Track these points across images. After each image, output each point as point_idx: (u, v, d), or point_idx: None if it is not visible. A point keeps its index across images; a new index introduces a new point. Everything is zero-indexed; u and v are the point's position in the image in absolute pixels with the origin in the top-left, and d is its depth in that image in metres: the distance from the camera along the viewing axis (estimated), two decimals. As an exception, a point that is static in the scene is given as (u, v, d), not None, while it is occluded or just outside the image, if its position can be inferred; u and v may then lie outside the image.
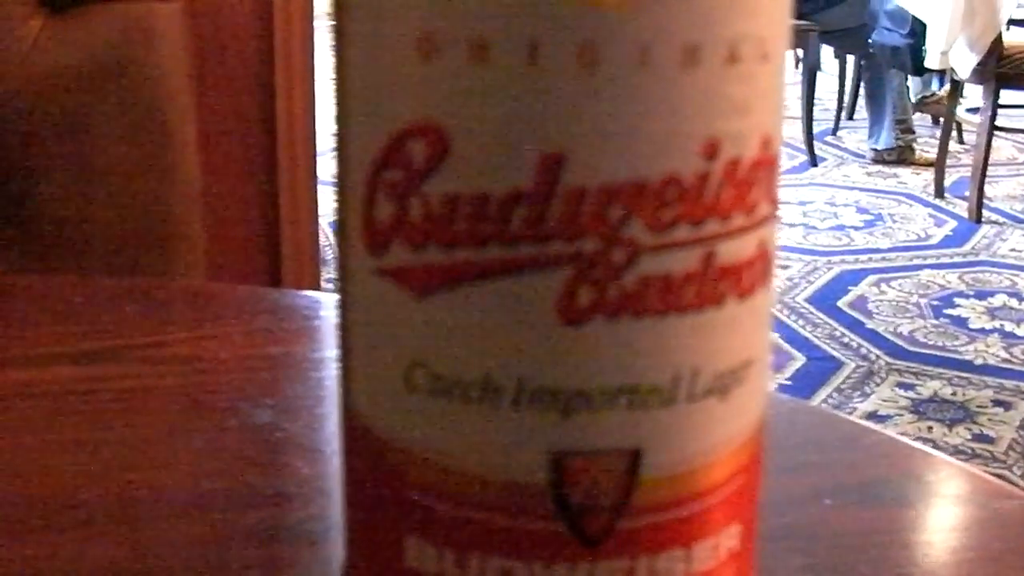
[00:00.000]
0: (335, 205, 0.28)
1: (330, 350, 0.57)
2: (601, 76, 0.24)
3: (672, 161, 0.24)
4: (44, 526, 0.42)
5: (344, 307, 0.28)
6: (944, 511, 0.43)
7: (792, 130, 5.01)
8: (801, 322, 3.11)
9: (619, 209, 0.24)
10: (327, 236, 3.20)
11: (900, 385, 2.75)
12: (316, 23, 1.51)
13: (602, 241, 0.24)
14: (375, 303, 0.27)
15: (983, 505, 0.44)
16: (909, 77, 4.69)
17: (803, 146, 4.75)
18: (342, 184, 0.27)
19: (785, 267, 3.55)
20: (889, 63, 4.52)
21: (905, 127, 4.71)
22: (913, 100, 4.86)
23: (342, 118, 0.27)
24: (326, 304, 0.64)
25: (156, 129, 1.21)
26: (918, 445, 0.47)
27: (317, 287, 1.55)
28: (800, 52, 4.86)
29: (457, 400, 0.26)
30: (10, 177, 1.13)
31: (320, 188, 1.53)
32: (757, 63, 0.25)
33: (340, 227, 0.27)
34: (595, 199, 0.24)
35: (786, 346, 2.96)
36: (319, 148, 1.52)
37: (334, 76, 0.27)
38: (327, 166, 1.58)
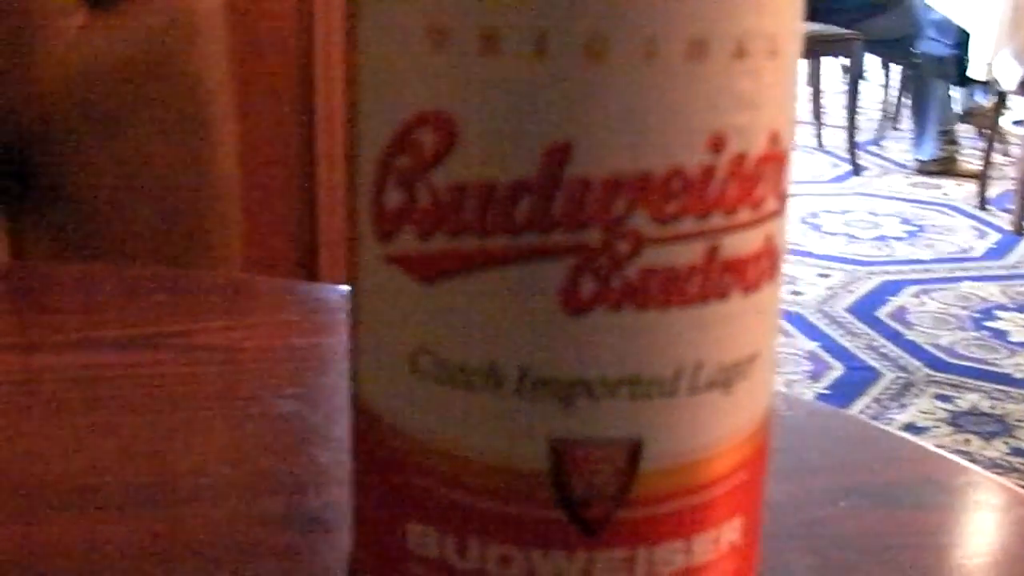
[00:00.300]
0: (347, 193, 0.28)
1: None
2: (608, 68, 0.24)
3: (677, 154, 0.25)
4: (70, 506, 0.43)
5: (354, 294, 0.29)
6: (961, 516, 0.43)
7: (835, 139, 4.99)
8: (840, 332, 3.10)
9: (624, 200, 0.24)
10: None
11: (938, 397, 2.73)
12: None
13: (606, 232, 0.25)
14: (383, 289, 0.27)
15: (1002, 510, 0.44)
16: (954, 88, 4.67)
17: (846, 155, 4.73)
18: (353, 171, 0.27)
19: (826, 276, 3.54)
20: (934, 73, 4.50)
21: (949, 138, 4.68)
22: (958, 111, 4.84)
23: (354, 106, 0.27)
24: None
25: (196, 124, 1.22)
26: (936, 449, 0.46)
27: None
28: (846, 60, 4.84)
29: (461, 387, 0.26)
30: (51, 169, 1.14)
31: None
32: (766, 59, 0.25)
33: (350, 214, 0.28)
34: (600, 190, 0.24)
35: (825, 355, 2.95)
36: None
37: (347, 64, 0.27)
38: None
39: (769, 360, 0.28)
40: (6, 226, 1.13)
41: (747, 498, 0.29)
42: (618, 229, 0.25)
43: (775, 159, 0.26)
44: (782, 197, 0.27)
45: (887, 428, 0.47)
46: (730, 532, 0.28)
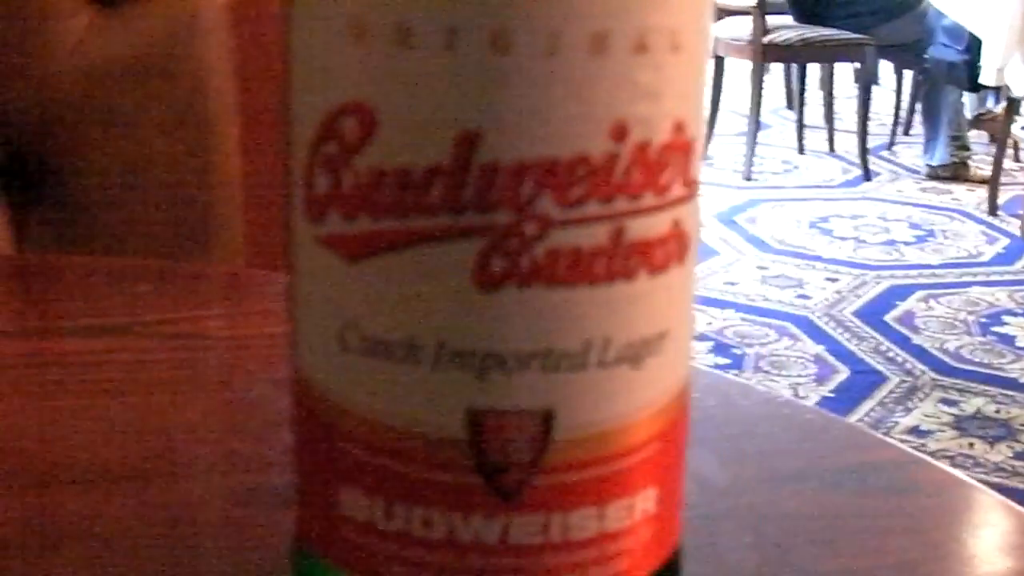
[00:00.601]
0: (283, 178, 0.30)
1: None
2: (513, 61, 0.26)
3: (582, 141, 0.26)
4: (65, 481, 0.45)
5: (290, 273, 0.30)
6: (902, 500, 0.44)
7: (847, 144, 4.99)
8: (847, 335, 3.11)
9: (530, 185, 0.26)
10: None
11: (944, 401, 2.74)
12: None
13: (514, 214, 0.26)
14: (314, 268, 0.29)
15: (943, 494, 0.45)
16: (965, 93, 4.67)
17: (857, 160, 4.74)
18: (287, 157, 0.29)
19: (834, 280, 3.55)
20: (945, 79, 4.50)
21: (960, 144, 4.68)
22: (969, 117, 4.84)
23: (287, 95, 0.29)
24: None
25: (199, 123, 1.23)
26: (885, 438, 0.48)
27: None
28: (858, 65, 4.85)
29: (384, 359, 0.28)
30: (57, 165, 1.16)
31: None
32: (668, 53, 0.27)
33: (286, 198, 0.30)
34: (508, 175, 0.26)
35: (831, 359, 2.96)
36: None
37: (281, 56, 0.29)
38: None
39: (681, 338, 0.30)
40: (11, 221, 1.15)
41: (662, 469, 0.30)
42: (526, 212, 0.26)
43: (680, 147, 0.28)
44: (690, 184, 0.29)
45: (834, 417, 0.48)
46: (644, 501, 0.30)
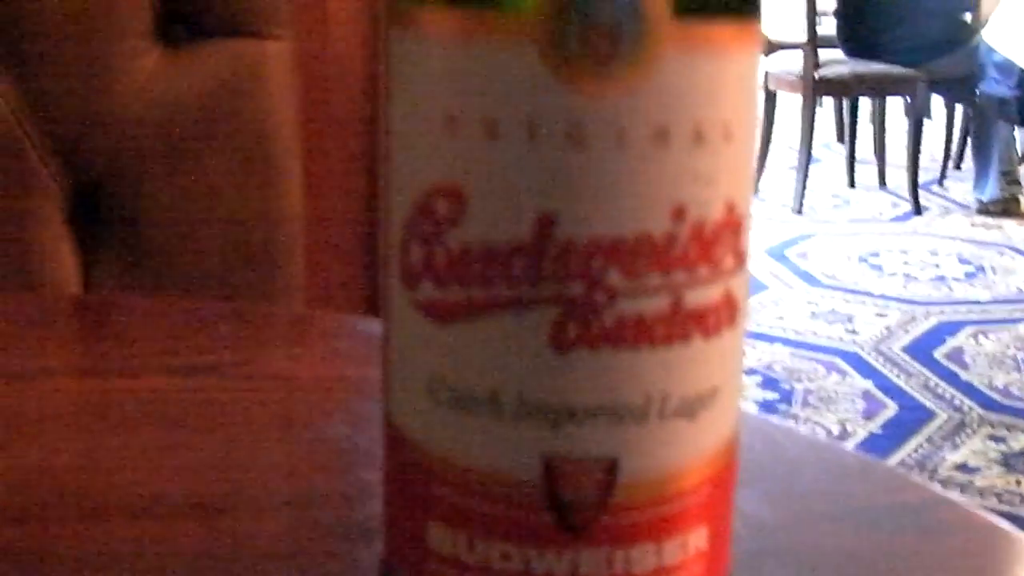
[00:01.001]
0: (380, 247, 0.33)
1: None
2: (586, 151, 0.29)
3: (645, 222, 0.30)
4: (139, 514, 0.49)
5: (385, 331, 0.34)
6: (935, 540, 0.48)
7: (897, 178, 5.01)
8: (896, 371, 3.13)
9: (600, 260, 0.30)
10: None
11: (991, 438, 2.75)
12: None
13: (586, 285, 0.30)
14: (407, 328, 0.33)
15: (975, 538, 0.48)
16: (1017, 128, 4.68)
17: (907, 195, 4.75)
18: (385, 230, 0.33)
19: (883, 316, 3.56)
20: (996, 114, 4.51)
21: (1011, 178, 4.69)
22: (1020, 152, 4.84)
23: (386, 175, 0.33)
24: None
25: (262, 163, 1.26)
26: (919, 480, 0.51)
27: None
28: (908, 99, 4.86)
29: (469, 411, 0.32)
30: (123, 203, 1.19)
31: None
32: (721, 143, 0.31)
33: (383, 265, 0.33)
34: (581, 251, 0.30)
35: (879, 394, 2.97)
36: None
37: (380, 141, 0.33)
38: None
39: (731, 393, 0.34)
40: (78, 258, 1.19)
41: (713, 510, 0.34)
42: (596, 283, 0.30)
43: (731, 225, 0.32)
44: (740, 256, 0.32)
45: (874, 460, 0.52)
46: (697, 539, 0.34)
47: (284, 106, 1.28)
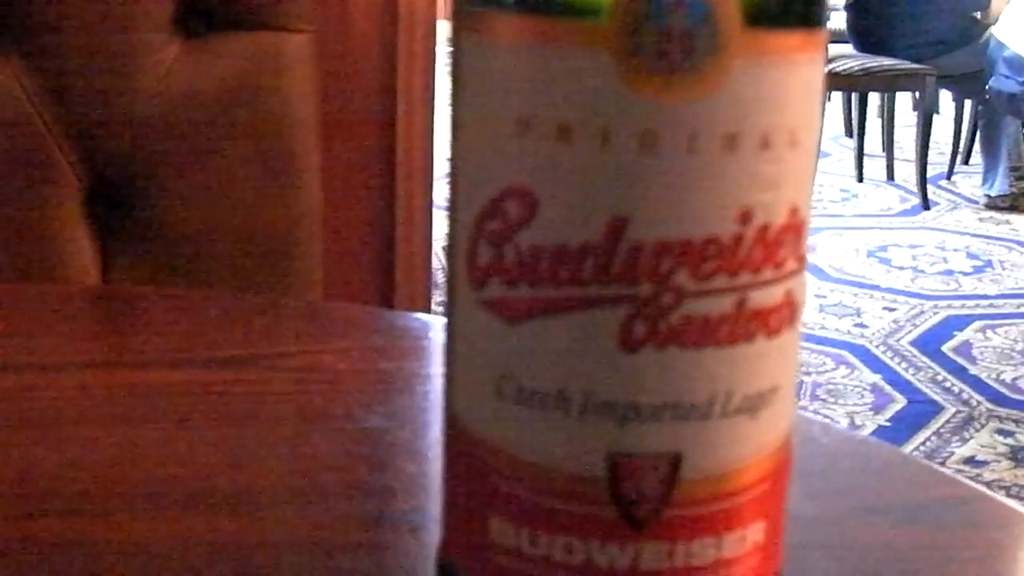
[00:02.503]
0: (446, 247, 0.34)
1: (436, 367, 0.63)
2: (658, 157, 0.30)
3: (713, 225, 0.31)
4: (189, 504, 0.50)
5: (450, 329, 0.35)
6: (972, 533, 0.48)
7: (906, 173, 5.01)
8: (904, 365, 3.13)
9: (669, 262, 0.31)
10: (440, 260, 3.29)
11: (999, 432, 2.76)
12: (436, 60, 1.58)
13: (655, 286, 0.31)
14: (475, 327, 0.33)
15: (999, 529, 0.49)
16: (1025, 124, 4.68)
17: (916, 189, 4.75)
18: (452, 230, 0.34)
19: (891, 310, 3.57)
20: (1005, 109, 4.52)
21: (1019, 174, 4.69)
22: (1029, 147, 4.85)
23: (454, 177, 0.34)
24: (434, 326, 0.71)
25: (282, 154, 1.26)
26: (949, 473, 0.52)
27: (428, 310, 1.62)
28: (916, 94, 4.87)
29: (536, 407, 0.32)
30: (142, 196, 1.19)
31: (435, 215, 1.60)
32: (787, 149, 0.31)
33: (450, 265, 0.34)
34: (650, 253, 0.31)
35: (887, 388, 2.98)
36: (435, 178, 1.59)
37: (449, 145, 0.34)
38: (442, 194, 1.65)
39: (788, 391, 0.34)
40: (96, 248, 1.19)
41: (769, 505, 0.35)
42: (664, 284, 0.31)
43: (794, 228, 0.32)
44: (801, 258, 0.33)
45: (909, 455, 0.52)
46: (754, 533, 0.34)
47: (304, 99, 1.29)
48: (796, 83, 0.31)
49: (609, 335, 0.31)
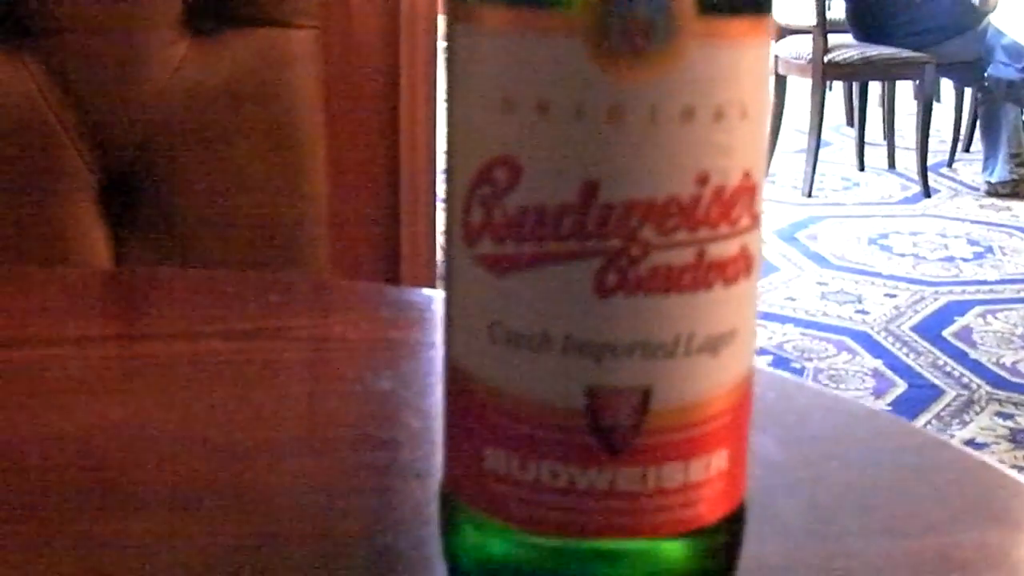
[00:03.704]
0: (444, 210, 0.39)
1: (440, 335, 0.68)
2: (624, 128, 0.35)
3: (674, 186, 0.36)
4: (217, 455, 0.54)
5: (448, 282, 0.40)
6: (932, 476, 0.53)
7: (907, 161, 5.05)
8: (905, 350, 3.17)
9: (636, 219, 0.36)
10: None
11: (999, 415, 2.80)
12: (437, 51, 1.62)
13: (624, 240, 0.36)
14: (469, 279, 0.38)
15: (956, 471, 0.54)
16: (1024, 111, 4.72)
17: (917, 177, 4.79)
18: (449, 195, 0.39)
19: (892, 296, 3.61)
20: (1004, 97, 4.56)
21: (1019, 161, 4.73)
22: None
23: (450, 149, 0.39)
24: (439, 300, 0.76)
25: (289, 145, 1.29)
26: (915, 425, 0.57)
27: (432, 286, 1.67)
28: (917, 83, 4.90)
29: (523, 348, 0.37)
30: (153, 186, 1.23)
31: (438, 199, 1.64)
32: (738, 120, 0.36)
33: (447, 226, 0.39)
34: (620, 211, 0.35)
35: (889, 373, 3.02)
36: (438, 163, 1.64)
37: (445, 121, 0.38)
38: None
39: (747, 334, 0.39)
40: (109, 239, 1.23)
41: (732, 436, 0.40)
42: (632, 238, 0.36)
43: (748, 190, 0.37)
44: (755, 216, 0.38)
45: (875, 409, 0.57)
46: (718, 460, 0.39)
47: (310, 92, 1.32)
48: (746, 63, 0.36)
49: (585, 284, 0.36)
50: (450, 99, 0.38)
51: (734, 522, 0.41)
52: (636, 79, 0.35)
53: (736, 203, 0.37)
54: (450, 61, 0.38)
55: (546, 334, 0.37)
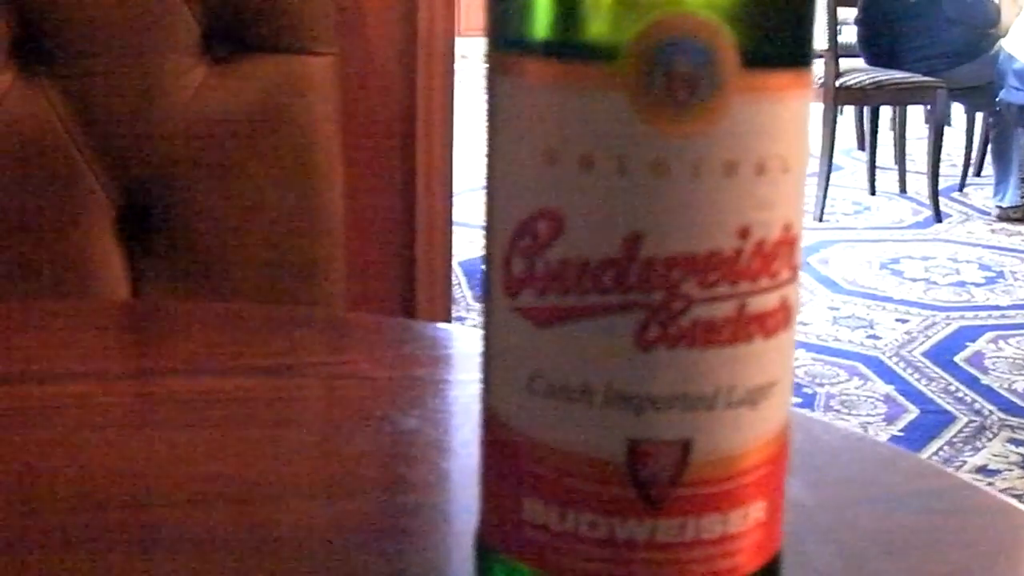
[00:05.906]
0: (484, 260, 0.39)
1: (464, 373, 0.68)
2: (667, 182, 0.35)
3: (716, 240, 0.36)
4: (246, 498, 0.54)
5: (487, 333, 0.40)
6: (962, 520, 0.53)
7: (918, 185, 5.05)
8: (916, 375, 3.16)
9: (678, 273, 0.36)
10: (457, 276, 3.33)
11: (1011, 441, 2.79)
12: (455, 78, 1.62)
13: (666, 294, 0.36)
14: (509, 330, 0.38)
15: (987, 516, 0.54)
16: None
17: (928, 201, 4.79)
18: (490, 246, 0.39)
19: (904, 321, 3.60)
20: (1016, 121, 4.56)
21: (1031, 185, 4.73)
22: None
23: (490, 199, 0.39)
24: (459, 336, 0.76)
25: (305, 173, 1.29)
26: (939, 466, 0.57)
27: (447, 321, 1.67)
28: (928, 107, 4.91)
29: (563, 400, 0.37)
30: (171, 213, 1.23)
31: (454, 231, 1.64)
32: (780, 173, 0.36)
33: (487, 276, 0.39)
34: (662, 265, 0.36)
35: (900, 398, 3.01)
36: (454, 194, 1.64)
37: (486, 173, 0.38)
38: (461, 210, 1.70)
39: (786, 386, 0.39)
40: (126, 266, 1.24)
41: (769, 486, 0.40)
42: (674, 292, 0.36)
43: (787, 242, 0.37)
44: (794, 268, 0.38)
45: (902, 450, 0.57)
46: (756, 511, 0.39)
47: (326, 119, 1.32)
48: (787, 116, 0.36)
49: (627, 336, 0.36)
50: (491, 151, 0.39)
51: (770, 572, 0.41)
52: (680, 133, 0.35)
53: (777, 256, 0.37)
54: (491, 113, 0.38)
55: (587, 386, 0.37)
